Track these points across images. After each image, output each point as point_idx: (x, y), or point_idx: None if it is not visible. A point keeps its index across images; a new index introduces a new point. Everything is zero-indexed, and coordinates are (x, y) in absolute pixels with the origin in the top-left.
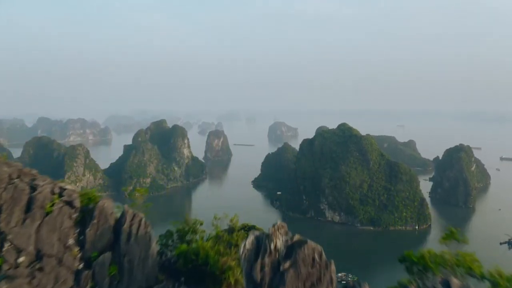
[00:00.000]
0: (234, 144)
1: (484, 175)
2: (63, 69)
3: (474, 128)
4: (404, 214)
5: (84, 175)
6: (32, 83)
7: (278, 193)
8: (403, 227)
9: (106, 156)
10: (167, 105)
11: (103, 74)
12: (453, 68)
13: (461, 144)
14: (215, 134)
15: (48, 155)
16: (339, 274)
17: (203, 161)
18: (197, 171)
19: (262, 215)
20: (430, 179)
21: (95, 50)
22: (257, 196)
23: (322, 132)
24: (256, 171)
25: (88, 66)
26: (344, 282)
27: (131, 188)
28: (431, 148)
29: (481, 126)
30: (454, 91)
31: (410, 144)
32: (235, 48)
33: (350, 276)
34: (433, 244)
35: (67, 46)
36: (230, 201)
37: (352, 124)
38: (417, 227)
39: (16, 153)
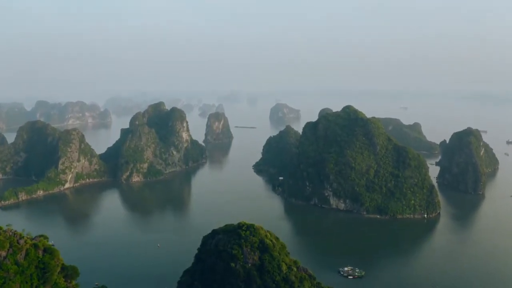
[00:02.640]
0: (236, 127)
1: (492, 160)
2: (63, 51)
3: (478, 109)
4: (413, 201)
5: (79, 160)
6: (32, 65)
7: (280, 178)
8: (411, 215)
9: (106, 140)
10: (168, 86)
11: (103, 56)
12: (455, 48)
13: (469, 128)
14: (216, 117)
15: (43, 140)
16: (346, 268)
17: (203, 144)
18: (197, 155)
19: (264, 202)
20: (437, 164)
21: (95, 31)
22: (258, 181)
23: (326, 115)
24: (258, 154)
25: (88, 48)
26: (351, 277)
27: (127, 174)
28: (437, 131)
29: (485, 108)
30: (456, 71)
31: (415, 126)
32: (236, 28)
33: (357, 270)
34: (443, 234)
35: (66, 27)
36: (231, 186)
37: (353, 105)
38: (426, 215)
39: (13, 138)
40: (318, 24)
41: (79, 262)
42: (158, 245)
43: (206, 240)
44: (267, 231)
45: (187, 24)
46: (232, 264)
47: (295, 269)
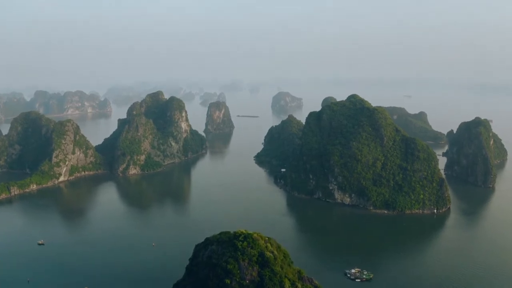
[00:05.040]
0: (238, 116)
1: (501, 151)
2: (64, 40)
3: (482, 98)
4: (422, 196)
5: (74, 152)
6: (33, 54)
7: (282, 170)
8: (420, 210)
9: (106, 130)
10: (170, 76)
11: (105, 45)
12: (456, 36)
13: (477, 117)
14: (216, 106)
15: (37, 131)
16: (353, 271)
17: (203, 134)
18: (196, 146)
19: (265, 196)
20: (444, 154)
21: (96, 20)
22: (260, 173)
23: (330, 105)
24: (259, 145)
25: (89, 37)
26: (359, 280)
27: (124, 166)
28: (443, 120)
29: (488, 97)
30: (457, 60)
31: (421, 116)
32: (238, 16)
33: (365, 272)
34: (455, 230)
35: (66, 16)
36: (231, 178)
37: (355, 93)
38: (435, 210)
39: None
40: (318, 13)
41: (69, 261)
42: (153, 244)
43: (198, 250)
44: (268, 239)
45: (188, 13)
46: (227, 281)
47: (299, 285)
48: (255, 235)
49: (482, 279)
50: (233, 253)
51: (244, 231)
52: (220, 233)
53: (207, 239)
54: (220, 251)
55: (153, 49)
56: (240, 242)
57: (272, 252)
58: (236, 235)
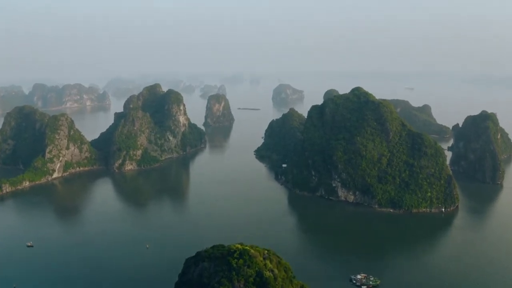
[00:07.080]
0: (238, 108)
1: (508, 145)
2: (64, 32)
3: (485, 91)
4: (429, 194)
5: (68, 148)
6: (32, 47)
7: (283, 165)
8: (428, 209)
9: (105, 123)
10: (170, 68)
11: (106, 37)
12: (456, 29)
13: (484, 111)
14: (216, 98)
15: (31, 126)
16: (359, 277)
17: (202, 127)
18: (195, 140)
19: (266, 193)
20: (449, 149)
21: (95, 12)
22: (260, 169)
23: (333, 98)
24: (260, 138)
25: (89, 30)
26: (365, 287)
27: (120, 162)
28: (447, 113)
29: (492, 89)
30: (457, 53)
31: (425, 109)
32: (238, 8)
33: (372, 278)
34: (465, 231)
35: (66, 8)
36: (231, 175)
37: (359, 86)
38: (443, 209)
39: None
40: (319, 5)
41: (58, 266)
42: (147, 246)
43: (189, 266)
44: (267, 253)
45: (189, 5)
46: None
47: None
48: (252, 251)
49: (492, 276)
50: (227, 272)
51: (240, 246)
52: (213, 247)
53: (198, 253)
54: (213, 269)
55: (153, 41)
56: (235, 260)
57: (272, 271)
58: (230, 251)
